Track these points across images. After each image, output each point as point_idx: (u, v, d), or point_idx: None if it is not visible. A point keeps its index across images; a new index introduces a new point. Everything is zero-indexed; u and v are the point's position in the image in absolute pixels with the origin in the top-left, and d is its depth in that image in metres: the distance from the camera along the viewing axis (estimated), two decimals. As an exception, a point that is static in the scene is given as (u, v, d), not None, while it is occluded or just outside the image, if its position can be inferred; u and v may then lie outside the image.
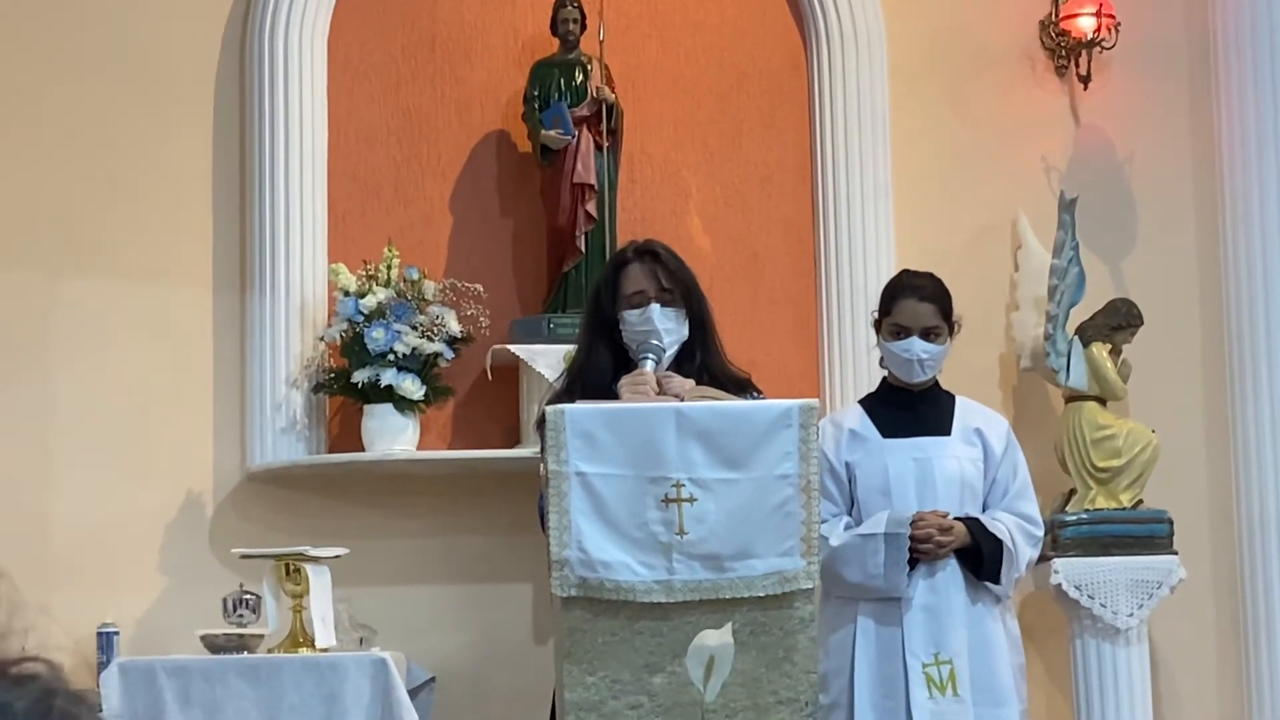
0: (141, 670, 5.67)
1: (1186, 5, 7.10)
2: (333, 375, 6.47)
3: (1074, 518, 6.52)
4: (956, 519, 5.42)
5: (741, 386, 5.18)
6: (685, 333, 5.17)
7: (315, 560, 5.89)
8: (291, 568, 5.88)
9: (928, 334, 5.55)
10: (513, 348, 6.42)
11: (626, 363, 5.13)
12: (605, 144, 6.60)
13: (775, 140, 6.89)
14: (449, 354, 6.41)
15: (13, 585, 0.93)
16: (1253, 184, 6.89)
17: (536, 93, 6.65)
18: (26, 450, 6.42)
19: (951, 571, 5.40)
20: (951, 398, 5.68)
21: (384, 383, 6.33)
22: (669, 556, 4.75)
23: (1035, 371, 6.79)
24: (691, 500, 4.76)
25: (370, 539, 6.44)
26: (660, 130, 6.84)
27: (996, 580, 5.44)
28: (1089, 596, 6.41)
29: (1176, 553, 6.51)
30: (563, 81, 6.67)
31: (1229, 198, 6.94)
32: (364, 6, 6.75)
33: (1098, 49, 6.97)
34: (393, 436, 6.39)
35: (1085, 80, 6.99)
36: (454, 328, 6.41)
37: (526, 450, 6.18)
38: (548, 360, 6.28)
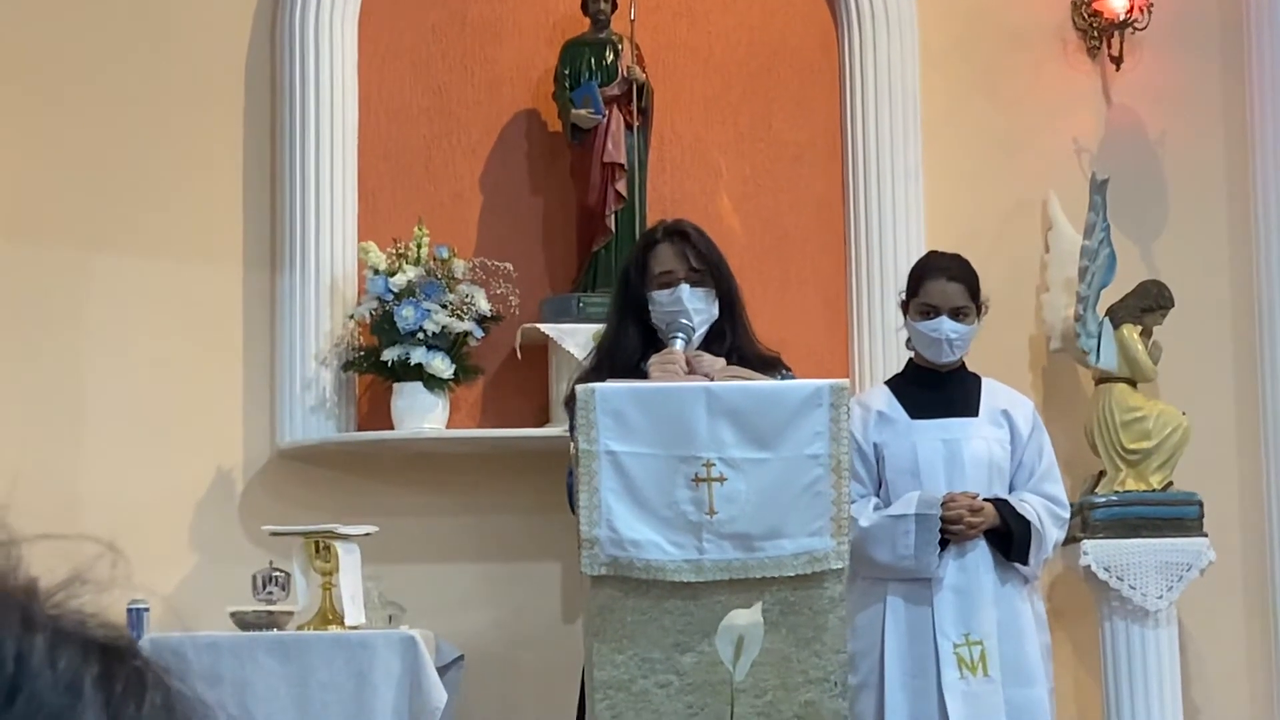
0: (171, 647, 5.69)
1: (1219, -14, 7.08)
2: (362, 353, 6.48)
3: (1104, 499, 6.51)
4: (985, 500, 5.43)
5: (771, 365, 5.18)
6: (715, 312, 5.17)
7: (345, 538, 5.90)
8: (321, 545, 5.89)
9: (956, 314, 5.55)
10: (542, 327, 6.42)
11: (655, 342, 5.13)
12: (635, 123, 6.60)
13: (805, 120, 6.88)
14: (478, 333, 6.42)
15: (126, 564, 0.94)
16: (1285, 165, 6.87)
17: (567, 71, 6.65)
18: (57, 427, 6.44)
19: (981, 552, 5.41)
20: (978, 379, 5.68)
21: (413, 361, 6.34)
22: (699, 536, 4.76)
23: (1065, 353, 6.77)
24: (721, 480, 4.77)
25: (400, 517, 6.45)
26: (690, 110, 6.83)
27: (1025, 561, 5.44)
28: (1118, 578, 6.40)
29: (1206, 535, 6.49)
30: (593, 60, 6.66)
31: (1261, 179, 6.92)
32: (395, -15, 6.75)
33: (1130, 30, 6.95)
34: (422, 415, 6.40)
35: (1117, 61, 6.97)
36: (483, 306, 6.42)
37: (556, 429, 6.18)
38: (577, 339, 6.28)
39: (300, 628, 5.91)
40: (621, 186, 6.54)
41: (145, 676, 0.88)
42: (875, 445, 5.52)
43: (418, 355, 6.34)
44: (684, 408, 4.79)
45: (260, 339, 6.59)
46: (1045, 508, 5.50)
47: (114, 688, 0.86)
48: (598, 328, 5.91)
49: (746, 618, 4.56)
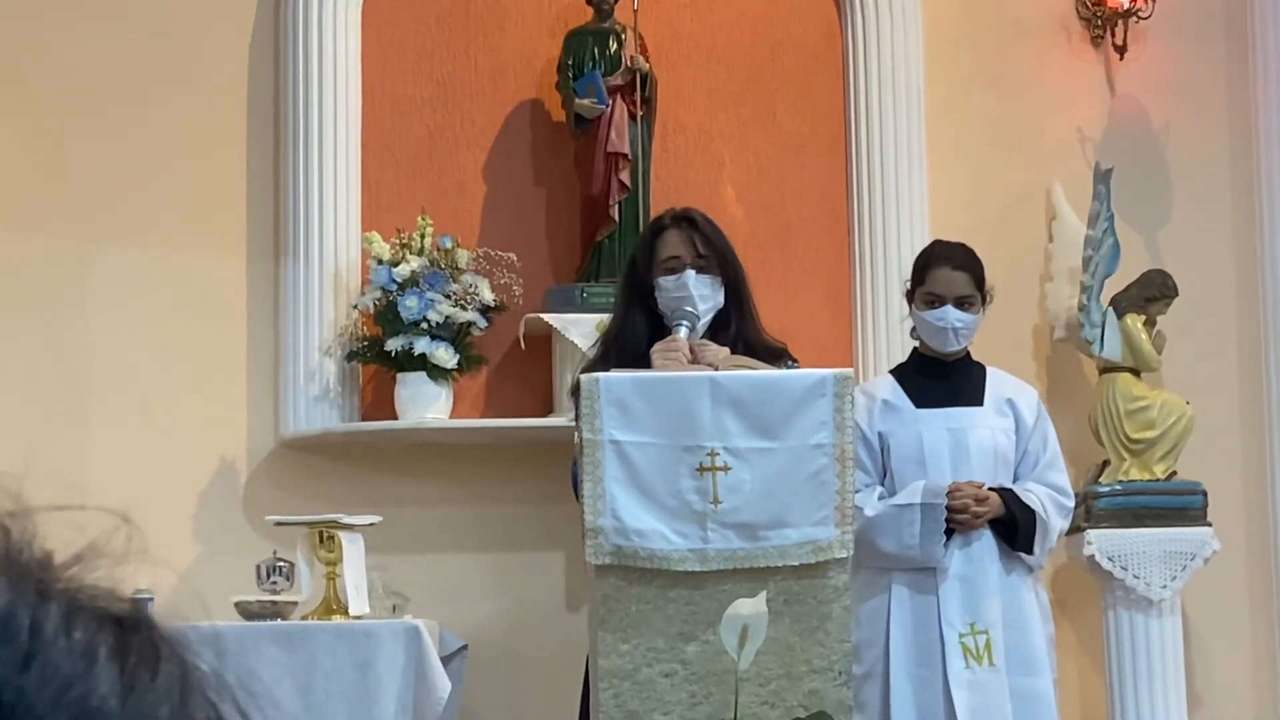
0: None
1: (1223, -25, 7.07)
2: (366, 343, 6.48)
3: (1107, 489, 6.51)
4: (990, 489, 5.42)
5: (777, 355, 5.18)
6: (720, 300, 5.17)
7: (349, 528, 5.91)
8: (325, 535, 5.89)
9: (961, 303, 5.55)
10: (546, 316, 6.42)
11: (662, 330, 5.13)
12: (639, 113, 6.59)
13: (809, 110, 6.87)
14: (482, 323, 6.42)
15: (141, 537, 0.94)
16: (1289, 155, 6.87)
17: (570, 61, 6.64)
18: (61, 417, 6.44)
19: (986, 542, 5.41)
20: (982, 368, 5.68)
21: (417, 351, 6.34)
22: (703, 525, 4.75)
23: (1069, 342, 6.77)
24: (726, 469, 4.77)
25: (403, 507, 6.45)
26: (694, 100, 6.82)
27: (1030, 551, 5.44)
28: (1122, 568, 6.40)
29: (1210, 524, 6.49)
30: (597, 50, 6.66)
31: (1265, 168, 6.91)
32: (398, -25, 6.75)
33: (1133, 19, 6.94)
34: (426, 405, 6.40)
35: (1121, 50, 6.96)
36: (487, 296, 6.41)
37: (559, 419, 6.18)
38: (581, 329, 6.28)
39: (304, 618, 5.91)
40: (625, 176, 6.54)
41: (160, 649, 0.88)
42: (880, 434, 5.52)
43: (421, 345, 6.34)
44: (688, 397, 4.78)
45: (264, 329, 6.59)
46: (1050, 497, 5.50)
47: (129, 658, 0.86)
48: (601, 317, 5.92)
49: (751, 607, 4.56)
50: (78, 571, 0.89)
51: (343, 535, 5.86)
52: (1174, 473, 6.59)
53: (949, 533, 5.36)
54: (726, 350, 5.08)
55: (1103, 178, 6.55)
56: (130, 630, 0.88)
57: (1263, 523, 6.85)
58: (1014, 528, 5.43)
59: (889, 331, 6.62)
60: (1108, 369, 6.64)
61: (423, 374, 6.38)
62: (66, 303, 6.51)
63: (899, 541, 5.35)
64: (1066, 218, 6.83)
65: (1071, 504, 5.61)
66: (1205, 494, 6.53)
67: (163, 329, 6.53)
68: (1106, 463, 6.60)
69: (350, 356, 6.51)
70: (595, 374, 4.86)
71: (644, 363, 5.02)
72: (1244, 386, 6.92)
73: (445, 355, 6.36)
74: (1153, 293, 6.66)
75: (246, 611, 5.93)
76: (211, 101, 6.63)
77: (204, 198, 6.59)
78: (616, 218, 6.53)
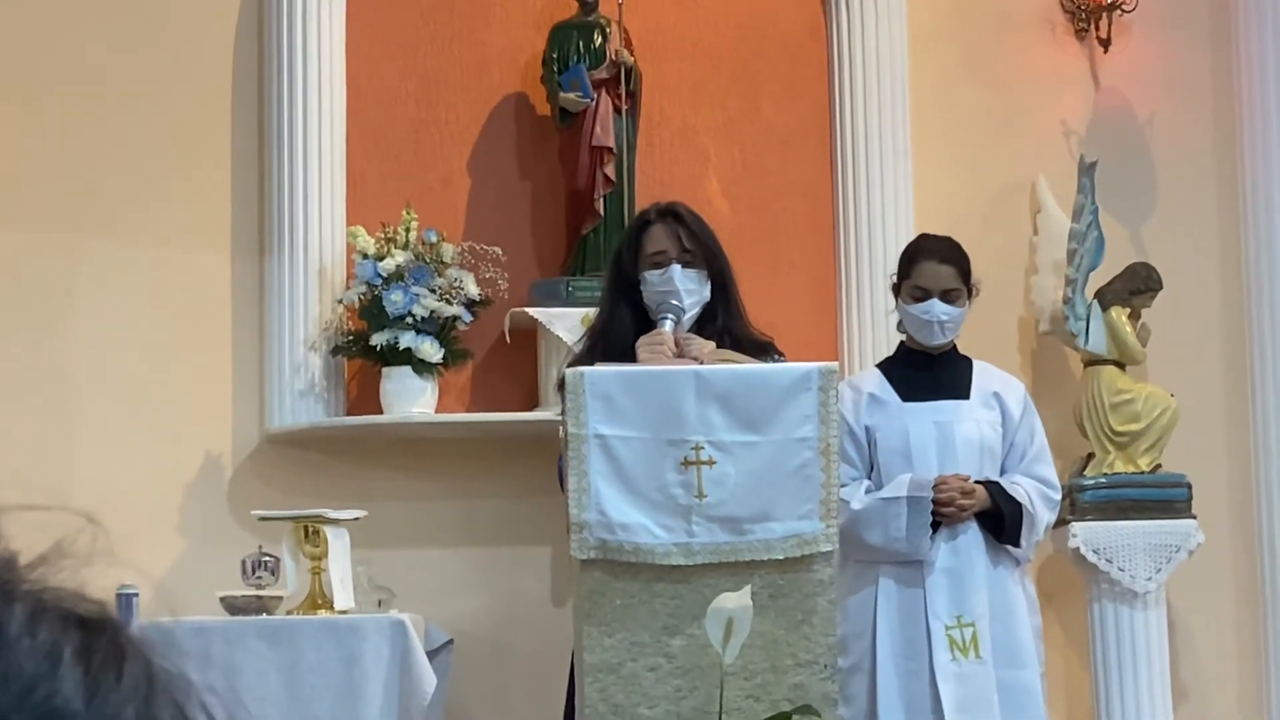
0: (160, 632, 5.67)
1: (1207, -32, 7.07)
2: (351, 338, 6.48)
3: (1092, 482, 6.52)
4: (977, 482, 5.43)
5: (763, 349, 5.18)
6: (706, 294, 5.17)
7: (334, 522, 5.90)
8: (310, 530, 5.89)
9: (947, 296, 5.55)
10: (531, 311, 6.42)
11: (648, 324, 5.13)
12: (624, 107, 6.59)
13: (794, 104, 6.87)
14: (467, 317, 6.41)
15: (106, 538, 0.94)
16: (1273, 147, 6.87)
17: (555, 55, 6.64)
18: (47, 413, 6.43)
19: (973, 534, 5.41)
20: (969, 361, 5.68)
21: (402, 345, 6.34)
22: (688, 519, 4.76)
23: (1054, 335, 6.78)
24: (711, 463, 4.77)
25: (389, 501, 6.45)
26: (679, 93, 6.82)
27: (1016, 543, 5.45)
28: (1107, 560, 6.41)
29: (1195, 517, 6.50)
30: (581, 44, 6.66)
31: (1249, 161, 6.92)
32: (382, -31, 6.74)
33: (1118, 12, 6.95)
34: (411, 399, 6.40)
35: (1105, 43, 6.97)
36: (472, 290, 6.41)
37: (544, 413, 6.18)
38: (566, 323, 6.28)
39: (289, 612, 5.91)
40: (610, 170, 6.54)
41: (125, 649, 0.88)
42: (867, 428, 5.52)
43: (406, 340, 6.33)
44: (673, 391, 4.78)
45: (249, 324, 6.58)
46: (1036, 490, 5.51)
47: (93, 659, 0.86)
48: (586, 311, 5.91)
49: (735, 601, 4.56)
50: (43, 573, 0.89)
51: (328, 530, 5.86)
52: (1159, 465, 6.60)
53: (935, 526, 5.36)
54: (712, 344, 5.09)
55: (1087, 171, 6.55)
56: (95, 631, 0.88)
57: (1247, 515, 6.86)
58: (1000, 521, 5.43)
59: (874, 325, 6.62)
60: (1092, 362, 6.65)
61: (408, 368, 6.37)
62: (52, 299, 6.50)
63: (885, 535, 5.35)
64: (1051, 211, 6.84)
65: (1058, 497, 5.62)
66: (1190, 486, 6.54)
67: (148, 325, 6.52)
68: (1091, 455, 6.61)
69: (335, 351, 6.51)
70: (580, 368, 4.86)
71: (630, 357, 5.02)
72: (1228, 379, 6.93)
73: (430, 349, 6.36)
74: (1137, 286, 6.67)
75: (232, 606, 5.93)
76: (195, 97, 6.62)
77: (189, 193, 6.58)
78: (601, 212, 6.53)
